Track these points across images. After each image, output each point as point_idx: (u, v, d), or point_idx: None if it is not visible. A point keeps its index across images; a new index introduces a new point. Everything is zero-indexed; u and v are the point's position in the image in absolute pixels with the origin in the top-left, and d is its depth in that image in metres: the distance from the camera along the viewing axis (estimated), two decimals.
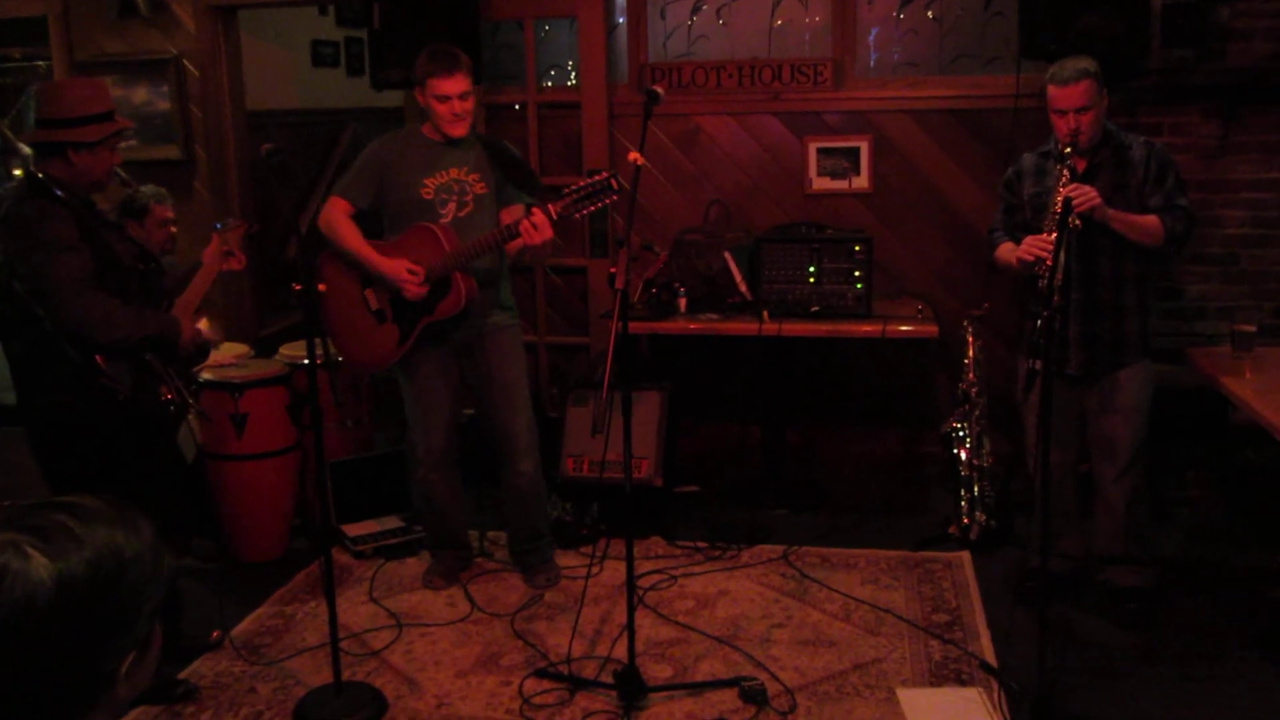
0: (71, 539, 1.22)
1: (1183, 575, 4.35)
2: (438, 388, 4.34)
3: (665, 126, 5.51)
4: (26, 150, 5.71)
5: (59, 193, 3.38)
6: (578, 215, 3.86)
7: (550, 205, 3.90)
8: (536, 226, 3.90)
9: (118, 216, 4.38)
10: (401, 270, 4.07)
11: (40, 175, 3.41)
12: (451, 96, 4.06)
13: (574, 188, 3.83)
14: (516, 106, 5.66)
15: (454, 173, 4.19)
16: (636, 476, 4.87)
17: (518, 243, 4.02)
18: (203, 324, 3.88)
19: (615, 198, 3.74)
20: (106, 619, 1.24)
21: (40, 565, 1.19)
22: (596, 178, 3.78)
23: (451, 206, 4.18)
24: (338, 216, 4.18)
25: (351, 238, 4.17)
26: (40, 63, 7.32)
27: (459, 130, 4.13)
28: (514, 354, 4.37)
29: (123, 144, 3.67)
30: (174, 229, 4.69)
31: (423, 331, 4.19)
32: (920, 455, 5.52)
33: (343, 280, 4.27)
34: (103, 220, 3.62)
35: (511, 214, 4.15)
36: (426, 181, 4.16)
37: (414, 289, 4.08)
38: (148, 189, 4.63)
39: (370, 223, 4.28)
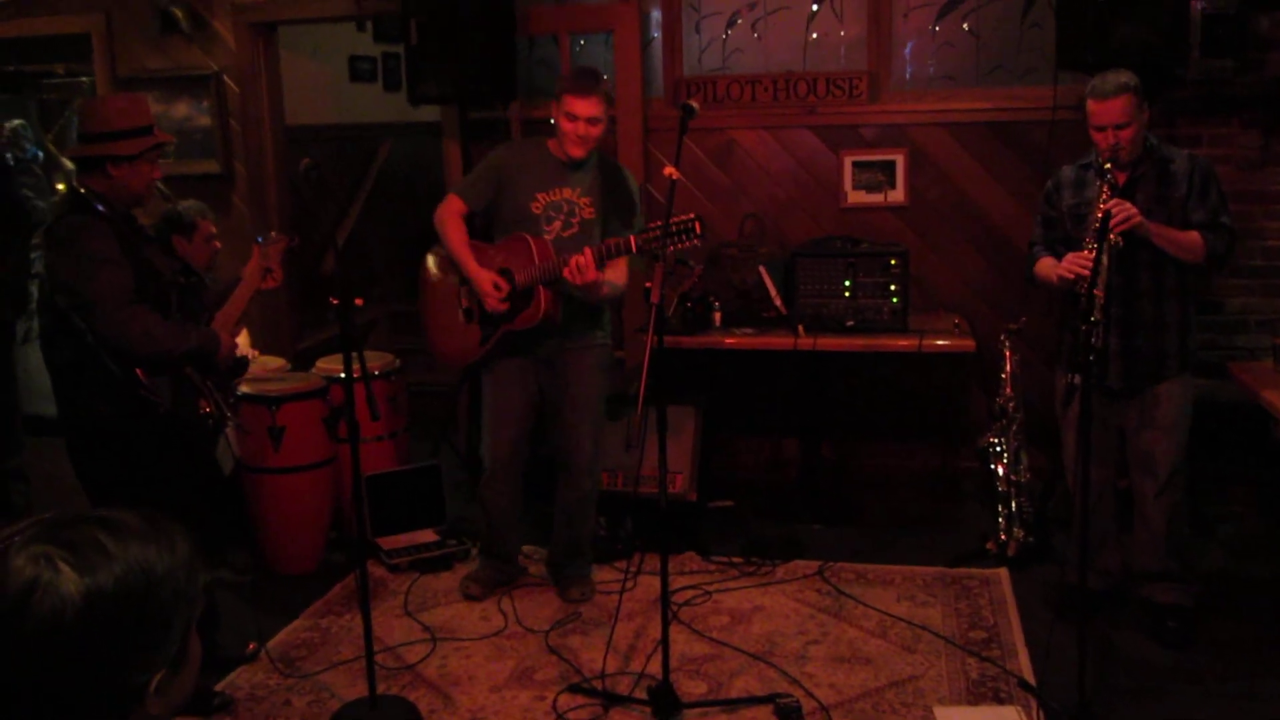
0: (103, 554, 1.22)
1: (1223, 592, 4.30)
2: (512, 396, 4.36)
3: (700, 140, 5.52)
4: (70, 165, 5.79)
5: (100, 207, 3.42)
6: (668, 250, 3.67)
7: (632, 236, 3.93)
8: (580, 268, 3.93)
9: (160, 232, 4.42)
10: (487, 282, 4.13)
11: (82, 190, 3.45)
12: (580, 117, 4.10)
13: (657, 224, 3.76)
14: (551, 121, 5.67)
15: (566, 192, 4.23)
16: (671, 491, 4.85)
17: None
18: (242, 338, 3.90)
19: (698, 241, 3.73)
20: (134, 635, 1.24)
21: (70, 580, 1.19)
22: (683, 217, 3.71)
23: (557, 225, 4.22)
24: (450, 215, 4.26)
25: (455, 236, 4.24)
26: (84, 79, 7.42)
27: (579, 151, 4.16)
28: (596, 373, 4.38)
29: (162, 159, 3.70)
30: (218, 244, 4.73)
31: (503, 338, 4.24)
32: (957, 470, 5.47)
33: (444, 274, 4.38)
34: (143, 234, 3.66)
35: None
36: (539, 196, 4.21)
37: (493, 302, 4.14)
38: (190, 204, 4.67)
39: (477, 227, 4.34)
